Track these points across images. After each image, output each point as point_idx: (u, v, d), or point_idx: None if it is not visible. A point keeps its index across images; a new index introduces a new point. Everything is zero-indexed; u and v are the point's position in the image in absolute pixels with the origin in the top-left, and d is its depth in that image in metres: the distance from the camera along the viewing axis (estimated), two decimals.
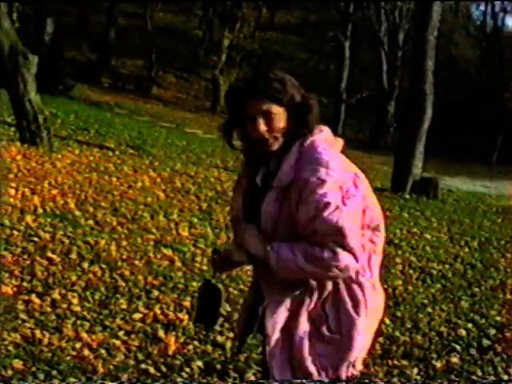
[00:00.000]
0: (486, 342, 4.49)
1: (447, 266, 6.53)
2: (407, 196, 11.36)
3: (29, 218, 5.78)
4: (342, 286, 2.15)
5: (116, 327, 3.91)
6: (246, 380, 3.48)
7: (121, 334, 3.83)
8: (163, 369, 3.51)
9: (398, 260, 6.47)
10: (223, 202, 7.85)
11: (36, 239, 5.28)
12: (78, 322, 3.88)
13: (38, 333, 3.63)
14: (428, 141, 12.03)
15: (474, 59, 29.79)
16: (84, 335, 3.71)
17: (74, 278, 4.56)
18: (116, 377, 3.31)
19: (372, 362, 3.86)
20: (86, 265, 4.88)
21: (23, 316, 3.84)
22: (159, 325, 4.03)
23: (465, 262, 6.85)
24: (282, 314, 2.15)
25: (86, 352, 3.53)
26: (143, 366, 3.50)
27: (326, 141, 2.16)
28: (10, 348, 3.44)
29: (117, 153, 10.63)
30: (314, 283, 2.13)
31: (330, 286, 2.14)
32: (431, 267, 6.39)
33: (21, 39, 9.83)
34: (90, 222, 6.08)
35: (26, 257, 4.85)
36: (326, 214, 2.01)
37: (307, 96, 2.16)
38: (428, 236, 7.93)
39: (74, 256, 5.03)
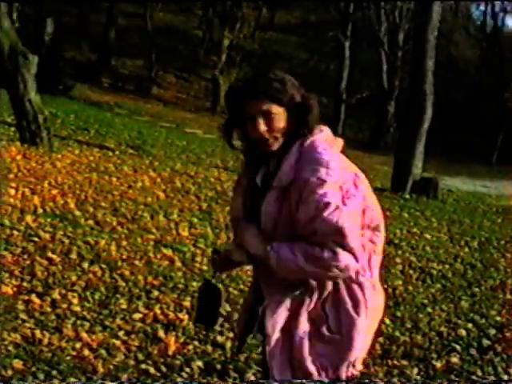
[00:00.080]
0: (486, 341, 4.49)
1: (447, 266, 6.53)
2: (407, 196, 11.36)
3: (29, 218, 5.78)
4: (342, 286, 2.15)
5: (116, 327, 3.91)
6: (246, 380, 3.48)
7: (121, 334, 3.83)
8: (163, 369, 3.51)
9: (398, 260, 6.47)
10: (223, 201, 7.85)
11: (36, 239, 5.29)
12: (78, 322, 3.88)
13: (38, 333, 3.63)
14: (428, 141, 12.03)
15: (474, 59, 29.79)
16: (84, 335, 3.71)
17: (74, 278, 4.56)
18: (116, 377, 3.31)
19: (372, 362, 3.86)
20: (86, 265, 4.88)
21: (23, 316, 3.84)
22: (159, 325, 4.03)
23: (465, 262, 6.85)
24: (282, 314, 2.15)
25: (86, 352, 3.53)
26: (143, 366, 3.50)
27: (326, 141, 2.16)
28: (10, 348, 3.44)
29: (117, 153, 10.63)
30: (313, 283, 2.13)
31: (329, 286, 2.14)
32: (431, 267, 6.39)
33: (21, 39, 9.83)
34: (90, 222, 6.08)
35: (26, 257, 4.85)
36: (325, 214, 2.01)
37: (307, 96, 2.16)
38: (428, 236, 7.93)
39: (74, 256, 5.03)
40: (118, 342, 3.70)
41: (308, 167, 2.06)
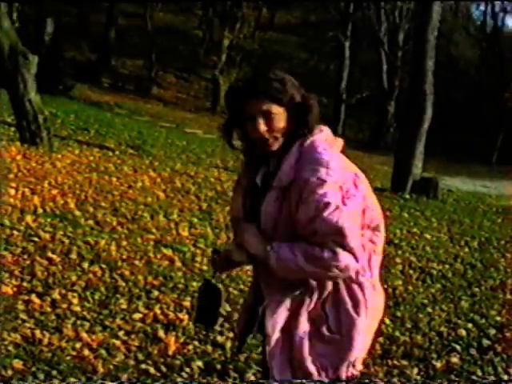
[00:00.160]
0: (486, 341, 4.49)
1: (447, 266, 6.53)
2: (407, 196, 11.36)
3: (29, 218, 5.78)
4: (342, 286, 2.15)
5: (116, 327, 3.91)
6: (246, 380, 3.48)
7: (121, 334, 3.83)
8: (163, 369, 3.51)
9: (398, 260, 6.47)
10: (223, 201, 7.85)
11: (36, 239, 5.29)
12: (78, 322, 3.88)
13: (38, 333, 3.63)
14: (428, 141, 12.03)
15: (474, 59, 29.79)
16: (84, 335, 3.71)
17: (74, 278, 4.56)
18: (116, 377, 3.31)
19: (372, 362, 3.86)
20: (86, 265, 4.88)
21: (23, 316, 3.84)
22: (159, 325, 4.03)
23: (465, 262, 6.85)
24: (282, 314, 2.15)
25: (86, 352, 3.53)
26: (143, 366, 3.50)
27: (326, 141, 2.16)
28: (10, 348, 3.44)
29: (117, 153, 10.63)
30: (313, 283, 2.13)
31: (329, 286, 2.14)
32: (431, 267, 6.39)
33: (21, 39, 9.83)
34: (90, 222, 6.08)
35: (26, 257, 4.85)
36: (325, 214, 2.01)
37: (307, 96, 2.16)
38: (428, 236, 7.93)
39: (74, 256, 5.03)
40: (118, 342, 3.70)
41: (308, 167, 2.06)
